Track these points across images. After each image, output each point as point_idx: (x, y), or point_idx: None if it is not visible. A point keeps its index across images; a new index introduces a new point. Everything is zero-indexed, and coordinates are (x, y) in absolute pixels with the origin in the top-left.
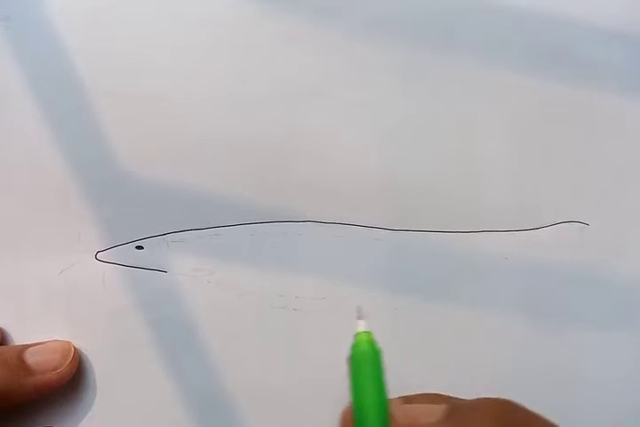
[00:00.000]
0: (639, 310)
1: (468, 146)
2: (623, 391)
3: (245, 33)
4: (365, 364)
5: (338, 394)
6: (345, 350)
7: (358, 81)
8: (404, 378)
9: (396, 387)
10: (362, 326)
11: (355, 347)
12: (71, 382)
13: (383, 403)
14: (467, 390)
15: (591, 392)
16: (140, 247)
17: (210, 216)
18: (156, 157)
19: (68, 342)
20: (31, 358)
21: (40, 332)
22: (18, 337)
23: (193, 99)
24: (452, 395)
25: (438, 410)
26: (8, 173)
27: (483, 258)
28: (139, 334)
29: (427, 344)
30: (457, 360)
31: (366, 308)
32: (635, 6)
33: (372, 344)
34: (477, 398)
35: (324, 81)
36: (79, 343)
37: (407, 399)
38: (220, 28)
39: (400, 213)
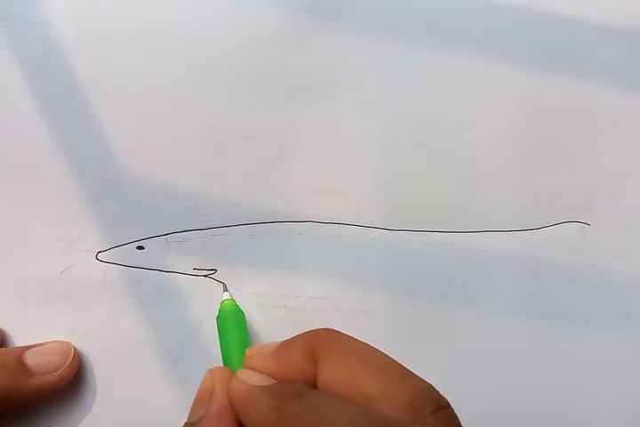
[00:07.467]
0: (639, 310)
1: (468, 146)
2: (623, 391)
3: (246, 33)
4: (230, 321)
5: None
6: None
7: (358, 81)
8: None
9: None
10: (226, 296)
11: (221, 309)
12: (71, 382)
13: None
14: (466, 390)
15: (591, 392)
16: (140, 247)
17: (210, 216)
18: (156, 156)
19: (68, 343)
20: (31, 359)
21: (40, 332)
22: (18, 337)
23: (193, 99)
24: (451, 394)
25: (273, 344)
26: (8, 173)
27: (483, 258)
28: (139, 334)
29: (426, 344)
30: (457, 360)
31: (366, 308)
32: (635, 5)
33: (235, 306)
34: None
35: (324, 81)
36: (79, 344)
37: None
38: (221, 28)
39: (400, 213)
